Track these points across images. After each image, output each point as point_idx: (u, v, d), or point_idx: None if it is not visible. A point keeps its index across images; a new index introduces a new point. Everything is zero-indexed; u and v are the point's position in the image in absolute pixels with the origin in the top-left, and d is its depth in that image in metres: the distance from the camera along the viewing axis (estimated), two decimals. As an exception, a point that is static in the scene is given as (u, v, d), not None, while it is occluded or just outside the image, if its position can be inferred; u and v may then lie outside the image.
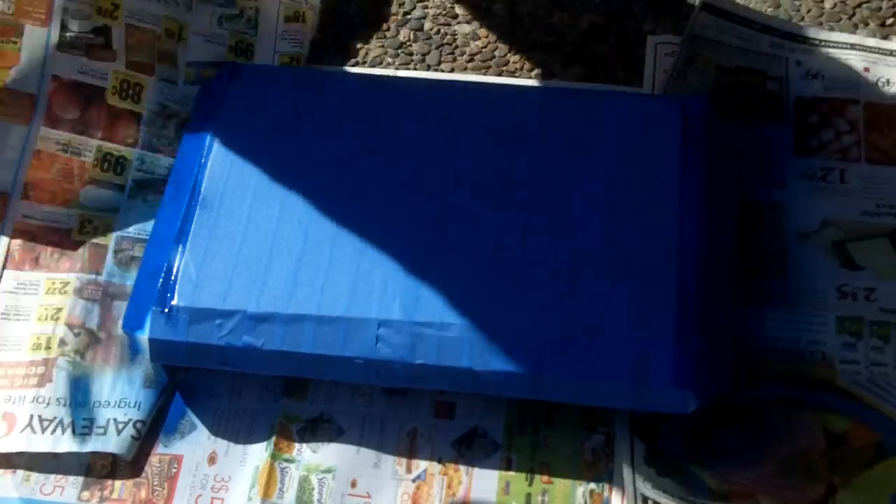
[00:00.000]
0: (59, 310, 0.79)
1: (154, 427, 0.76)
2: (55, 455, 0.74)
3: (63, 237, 0.81)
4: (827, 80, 0.86)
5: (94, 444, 0.74)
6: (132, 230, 0.83)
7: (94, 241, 0.82)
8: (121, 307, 0.79)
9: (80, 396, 0.76)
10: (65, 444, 0.74)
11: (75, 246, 0.81)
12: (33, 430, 0.74)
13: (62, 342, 0.77)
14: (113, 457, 0.75)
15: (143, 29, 0.86)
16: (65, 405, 0.75)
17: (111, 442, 0.74)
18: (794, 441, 0.71)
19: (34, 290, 0.79)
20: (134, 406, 0.76)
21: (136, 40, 0.86)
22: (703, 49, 0.87)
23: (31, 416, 0.74)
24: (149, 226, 0.82)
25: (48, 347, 0.77)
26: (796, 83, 0.86)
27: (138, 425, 0.75)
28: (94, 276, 0.80)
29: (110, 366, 0.77)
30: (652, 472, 0.71)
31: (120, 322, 0.77)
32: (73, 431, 0.74)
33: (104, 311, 0.80)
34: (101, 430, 0.75)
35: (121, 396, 0.76)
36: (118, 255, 0.82)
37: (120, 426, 0.75)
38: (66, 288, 0.79)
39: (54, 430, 0.74)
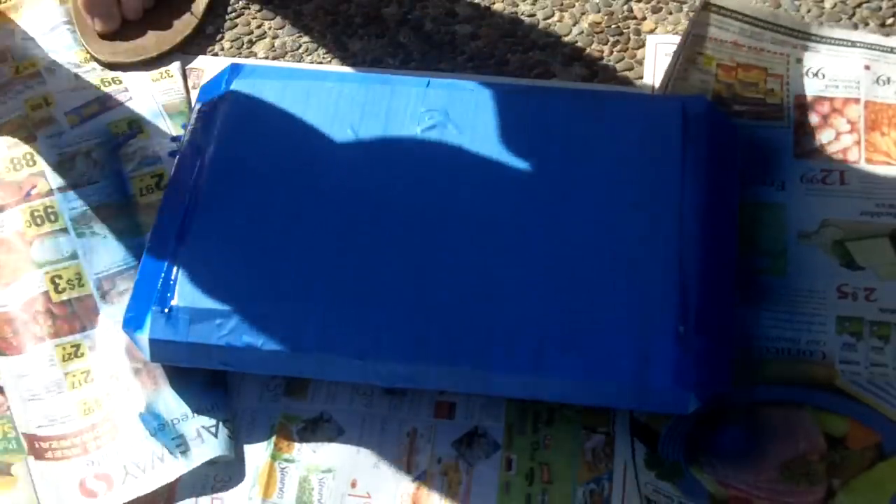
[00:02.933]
0: (86, 372, 0.77)
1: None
2: None
3: (46, 301, 0.80)
4: (827, 79, 0.86)
5: (200, 455, 0.72)
6: (102, 268, 0.81)
7: (76, 296, 0.80)
8: None
9: (155, 424, 0.74)
10: (174, 469, 0.72)
11: (63, 307, 0.80)
12: (135, 476, 0.72)
13: (108, 396, 0.76)
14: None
15: (10, 121, 0.87)
16: (147, 438, 0.74)
17: (214, 446, 0.73)
18: (793, 444, 0.71)
19: (51, 361, 0.78)
20: (211, 409, 0.75)
21: (7, 130, 0.86)
22: (705, 48, 0.87)
23: (125, 466, 0.73)
24: (117, 256, 0.81)
25: (101, 407, 0.76)
26: (796, 82, 0.86)
27: (227, 424, 0.74)
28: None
29: (162, 385, 0.76)
30: (652, 475, 0.71)
31: None
32: (172, 454, 0.73)
33: (127, 348, 0.78)
34: (198, 441, 0.73)
35: (193, 406, 0.75)
36: (106, 297, 0.80)
37: (212, 430, 0.74)
38: (81, 350, 0.78)
39: (154, 464, 0.72)
